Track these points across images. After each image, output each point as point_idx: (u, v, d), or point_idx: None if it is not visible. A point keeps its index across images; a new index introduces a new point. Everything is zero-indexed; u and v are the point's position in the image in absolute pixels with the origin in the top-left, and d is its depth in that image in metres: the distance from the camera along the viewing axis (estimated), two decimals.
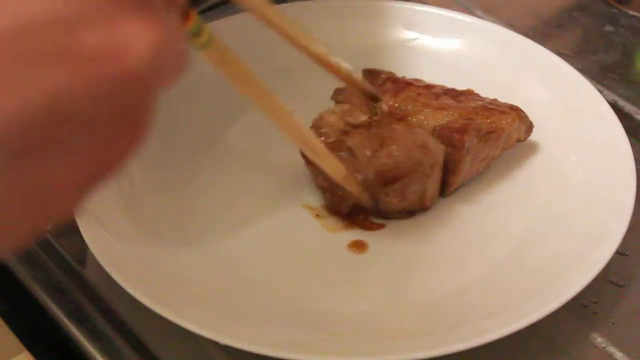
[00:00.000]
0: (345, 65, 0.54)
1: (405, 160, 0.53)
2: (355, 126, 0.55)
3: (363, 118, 0.56)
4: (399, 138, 0.54)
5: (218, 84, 0.63)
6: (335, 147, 0.53)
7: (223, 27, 0.64)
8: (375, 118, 0.56)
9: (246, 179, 0.58)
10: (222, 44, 0.40)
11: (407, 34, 0.66)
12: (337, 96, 0.58)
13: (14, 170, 0.26)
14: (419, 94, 0.58)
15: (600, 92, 0.60)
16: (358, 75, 0.57)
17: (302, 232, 0.54)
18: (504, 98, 0.58)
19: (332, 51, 0.65)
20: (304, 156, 0.54)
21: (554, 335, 0.49)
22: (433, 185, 0.54)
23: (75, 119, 0.26)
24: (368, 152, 0.53)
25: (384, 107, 0.57)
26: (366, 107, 0.57)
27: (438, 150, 0.54)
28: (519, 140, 0.58)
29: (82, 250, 0.53)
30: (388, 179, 0.52)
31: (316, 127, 0.55)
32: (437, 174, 0.54)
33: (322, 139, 0.54)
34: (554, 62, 0.62)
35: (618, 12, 0.75)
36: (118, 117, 0.27)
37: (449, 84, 0.60)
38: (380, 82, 0.59)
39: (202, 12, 0.73)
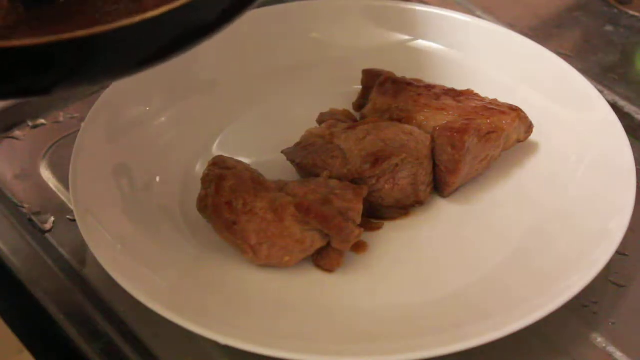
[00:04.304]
0: None
1: (391, 142, 0.54)
2: (340, 130, 0.56)
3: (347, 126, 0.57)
4: (383, 128, 0.55)
5: (219, 88, 0.63)
6: (324, 149, 0.54)
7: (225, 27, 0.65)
8: (360, 121, 0.57)
9: None
10: None
11: (407, 34, 0.66)
12: (321, 118, 0.59)
13: None
14: (419, 94, 0.58)
15: (600, 92, 0.60)
16: None
17: None
18: (504, 98, 0.58)
19: (331, 51, 0.66)
20: (292, 161, 0.55)
21: (554, 335, 0.49)
22: (424, 175, 0.54)
23: None
24: (354, 143, 0.54)
25: (384, 107, 0.58)
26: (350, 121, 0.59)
27: (424, 137, 0.54)
28: (519, 141, 0.58)
29: (82, 250, 0.53)
30: (377, 158, 0.53)
31: (304, 142, 0.56)
32: (427, 164, 0.54)
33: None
34: (553, 62, 0.62)
35: (618, 12, 0.75)
36: None
37: (449, 84, 0.60)
38: (380, 82, 0.59)
39: None
